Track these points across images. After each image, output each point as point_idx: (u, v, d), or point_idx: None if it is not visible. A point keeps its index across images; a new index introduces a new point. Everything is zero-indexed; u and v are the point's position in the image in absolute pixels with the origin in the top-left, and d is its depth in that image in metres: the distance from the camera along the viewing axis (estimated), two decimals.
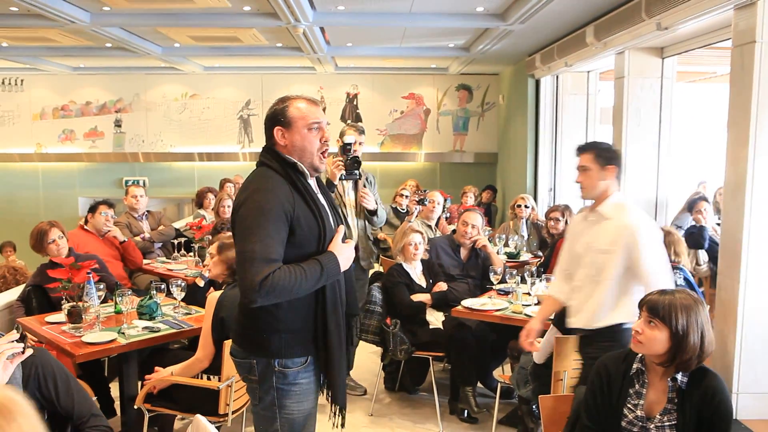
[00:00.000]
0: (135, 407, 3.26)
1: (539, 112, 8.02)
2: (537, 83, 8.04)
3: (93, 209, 5.18)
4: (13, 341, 2.01)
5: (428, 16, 6.06)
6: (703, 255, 5.58)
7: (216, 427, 2.22)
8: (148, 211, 6.17)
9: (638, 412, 2.20)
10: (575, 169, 3.21)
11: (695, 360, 2.12)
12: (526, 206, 6.30)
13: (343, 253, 2.25)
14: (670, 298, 2.15)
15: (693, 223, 5.85)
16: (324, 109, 8.46)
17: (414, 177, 8.68)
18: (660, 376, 2.20)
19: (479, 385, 4.40)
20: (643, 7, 4.69)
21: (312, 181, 2.31)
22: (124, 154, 10.37)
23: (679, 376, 2.16)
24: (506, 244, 5.79)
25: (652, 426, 2.17)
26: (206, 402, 3.13)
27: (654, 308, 2.15)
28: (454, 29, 6.66)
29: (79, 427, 2.20)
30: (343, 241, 2.28)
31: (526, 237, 6.09)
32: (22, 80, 10.31)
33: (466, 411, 4.12)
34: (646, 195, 6.05)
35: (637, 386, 2.23)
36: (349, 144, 3.90)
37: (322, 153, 2.29)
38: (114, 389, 3.91)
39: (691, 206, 5.99)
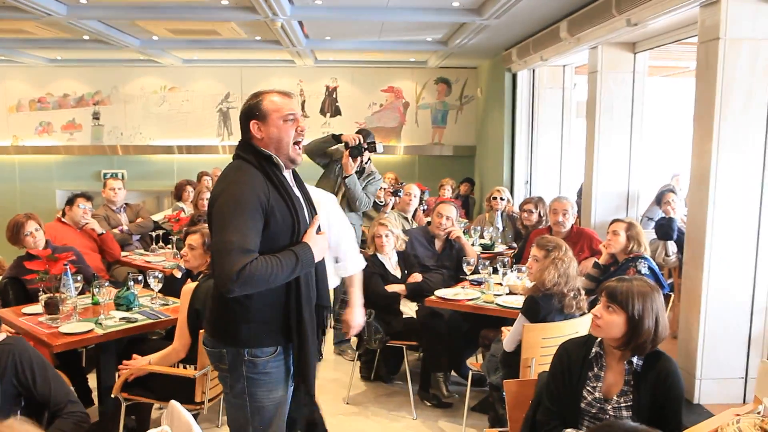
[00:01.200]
0: (112, 396, 3.31)
1: (516, 106, 8.12)
2: (514, 77, 8.14)
3: (71, 202, 5.20)
4: None
5: (405, 11, 6.13)
6: (672, 246, 5.71)
7: (193, 415, 2.28)
8: (126, 203, 6.19)
9: (596, 394, 2.30)
10: None
11: (650, 344, 2.23)
12: (501, 198, 6.40)
13: (318, 244, 2.29)
14: (627, 284, 2.26)
15: (662, 215, 6.00)
16: (303, 103, 8.52)
17: (393, 170, 8.77)
18: (617, 360, 2.31)
19: (453, 373, 4.51)
20: (613, 3, 4.80)
21: (288, 174, 2.36)
22: (102, 146, 10.31)
23: (635, 360, 2.27)
24: (482, 236, 5.90)
25: (609, 407, 2.28)
26: (183, 390, 3.18)
27: (612, 294, 2.25)
28: (431, 23, 6.73)
29: (56, 414, 2.26)
30: (318, 232, 2.33)
31: (501, 229, 6.20)
32: None
33: (437, 396, 4.23)
34: (618, 188, 6.18)
35: (595, 369, 2.34)
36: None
37: (296, 143, 2.34)
38: (92, 380, 3.96)
39: (659, 199, 6.14)
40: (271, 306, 2.25)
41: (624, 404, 2.26)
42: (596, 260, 4.38)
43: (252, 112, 2.28)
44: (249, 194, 2.17)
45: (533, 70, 7.88)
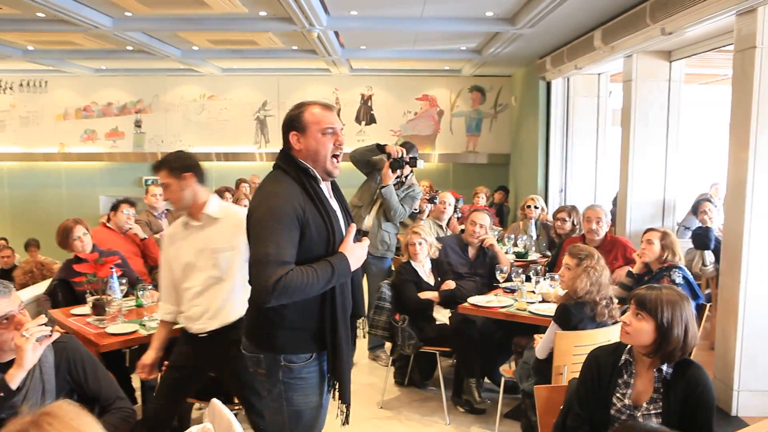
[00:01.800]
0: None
1: (550, 114, 8.12)
2: (548, 85, 8.14)
3: (115, 207, 5.38)
4: (41, 325, 2.18)
5: (439, 21, 6.21)
6: (709, 256, 5.66)
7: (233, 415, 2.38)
8: (167, 209, 6.37)
9: (626, 401, 2.33)
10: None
11: (679, 351, 2.26)
12: (535, 207, 6.41)
13: (354, 253, 2.31)
14: (657, 293, 2.29)
15: (699, 224, 5.94)
16: (339, 111, 8.65)
17: (427, 177, 8.83)
18: (647, 367, 2.33)
19: (486, 380, 4.55)
20: (647, 12, 4.80)
21: (325, 186, 2.38)
22: (143, 153, 10.60)
23: (664, 367, 2.29)
24: (515, 244, 5.91)
25: (639, 414, 2.31)
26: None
27: (641, 301, 2.29)
28: (465, 33, 6.79)
29: (105, 409, 2.37)
30: (356, 241, 2.35)
31: (534, 237, 6.20)
32: (46, 81, 10.59)
33: (470, 402, 4.27)
34: (654, 197, 6.16)
35: (625, 376, 2.37)
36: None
37: (335, 156, 2.36)
38: (135, 380, 4.10)
39: (696, 208, 6.08)
40: (307, 314, 2.30)
41: (654, 411, 2.29)
42: (630, 269, 4.37)
43: (292, 123, 2.32)
44: (285, 206, 2.21)
45: (567, 79, 7.88)
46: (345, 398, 2.41)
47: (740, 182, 4.15)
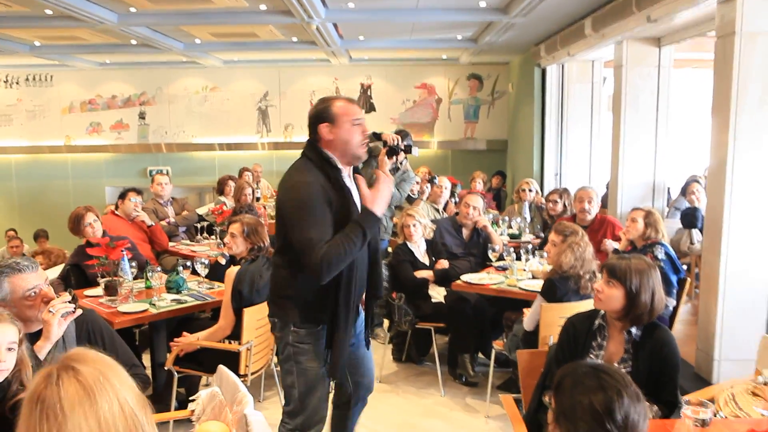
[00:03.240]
0: (165, 368, 3.66)
1: (545, 100, 8.29)
2: (543, 72, 8.31)
3: (123, 196, 5.59)
4: (65, 302, 2.39)
5: (434, 11, 6.38)
6: (697, 234, 5.85)
7: None
8: (172, 197, 6.59)
9: (599, 362, 2.54)
10: None
11: (646, 315, 2.46)
12: (530, 190, 6.60)
13: (375, 200, 2.49)
14: (626, 262, 2.49)
15: (688, 204, 6.13)
16: None
17: (426, 164, 9.01)
18: (618, 331, 2.54)
19: (480, 355, 4.76)
20: (633, 0, 4.97)
21: (346, 171, 2.60)
22: (147, 145, 10.83)
23: (633, 330, 2.50)
24: (509, 226, 6.11)
25: None
26: (228, 363, 3.42)
27: (612, 270, 2.49)
28: (460, 23, 6.97)
29: None
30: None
31: (529, 219, 6.40)
32: (51, 76, 10.80)
33: (464, 376, 4.49)
34: (644, 179, 6.34)
35: (599, 339, 2.58)
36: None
37: (363, 144, 2.59)
38: (144, 360, 4.33)
39: (685, 189, 6.26)
40: (314, 291, 2.51)
41: (624, 370, 2.49)
42: (615, 246, 4.57)
43: (322, 115, 2.52)
44: (316, 193, 2.44)
45: (562, 65, 8.05)
46: (334, 374, 2.65)
47: (721, 163, 4.32)
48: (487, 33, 7.31)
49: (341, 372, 2.68)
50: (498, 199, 9.05)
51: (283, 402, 2.78)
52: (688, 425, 1.99)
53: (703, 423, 1.97)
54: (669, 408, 2.43)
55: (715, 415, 2.41)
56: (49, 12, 5.99)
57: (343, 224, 2.47)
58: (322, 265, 2.36)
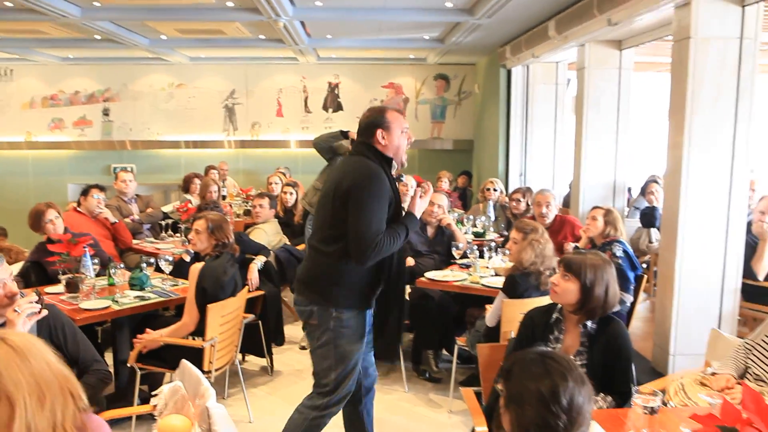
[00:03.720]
0: (128, 365, 3.64)
1: (511, 101, 8.41)
2: (509, 73, 8.42)
3: (85, 192, 5.53)
4: (32, 302, 2.39)
5: (401, 11, 6.43)
6: (655, 233, 6.02)
7: None
8: (137, 195, 6.53)
9: (546, 349, 2.61)
10: None
11: (600, 309, 2.55)
12: (494, 189, 6.71)
13: (419, 207, 2.90)
14: (582, 257, 2.58)
15: (647, 204, 6.30)
16: (306, 99, 8.84)
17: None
18: (574, 324, 2.62)
19: (444, 352, 4.82)
20: (595, 4, 5.09)
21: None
22: (111, 142, 10.66)
23: (589, 323, 2.58)
24: (474, 225, 6.20)
25: None
26: (192, 360, 3.44)
27: (568, 264, 2.57)
28: (426, 23, 7.03)
29: (83, 370, 2.59)
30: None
31: (493, 218, 6.49)
32: (11, 70, 10.56)
33: (428, 372, 4.55)
34: (605, 179, 6.48)
35: (556, 333, 2.66)
36: None
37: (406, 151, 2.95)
38: (107, 358, 4.28)
39: (644, 189, 6.43)
40: (363, 277, 2.79)
41: (579, 362, 2.57)
42: (576, 245, 4.68)
43: (379, 122, 2.83)
44: (383, 187, 2.73)
45: (527, 67, 8.18)
46: (381, 354, 3.07)
47: (677, 163, 4.46)
48: (453, 33, 7.38)
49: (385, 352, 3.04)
50: (464, 198, 9.15)
51: (315, 384, 2.97)
52: (638, 413, 2.07)
53: (652, 410, 2.05)
54: (623, 398, 2.51)
55: (665, 404, 2.51)
56: (9, 4, 5.87)
57: (393, 219, 2.79)
58: (374, 251, 2.63)
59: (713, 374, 2.66)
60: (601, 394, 2.53)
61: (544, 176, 8.21)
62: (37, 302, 2.39)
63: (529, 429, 1.44)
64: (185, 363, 2.54)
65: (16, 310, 2.32)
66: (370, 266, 2.76)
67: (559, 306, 2.66)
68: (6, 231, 8.66)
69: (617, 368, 2.53)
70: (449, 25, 7.15)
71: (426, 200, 2.97)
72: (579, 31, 5.66)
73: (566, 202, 7.45)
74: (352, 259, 2.72)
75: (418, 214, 2.88)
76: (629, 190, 7.85)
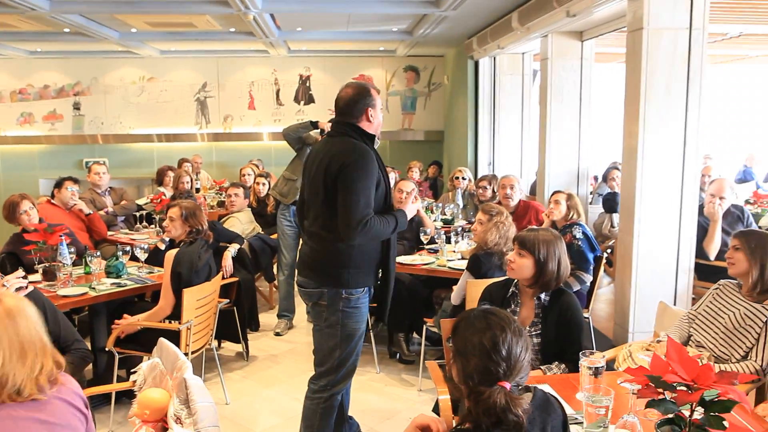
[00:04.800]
0: (106, 349, 3.75)
1: (478, 92, 8.60)
2: (476, 64, 8.61)
3: (59, 184, 5.58)
4: (19, 278, 2.51)
5: (369, 3, 6.55)
6: (617, 218, 6.24)
7: None
8: (110, 187, 6.59)
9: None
10: None
11: (554, 282, 2.73)
12: (463, 178, 6.90)
13: (410, 210, 3.05)
14: (534, 234, 2.76)
15: (609, 190, 6.53)
16: (278, 92, 8.92)
17: None
18: (530, 297, 2.81)
19: (415, 335, 5.00)
20: None
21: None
22: (83, 136, 10.63)
23: (542, 296, 2.76)
24: (443, 212, 6.39)
25: None
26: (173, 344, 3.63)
27: (523, 242, 2.75)
28: (394, 15, 7.17)
29: (64, 350, 2.70)
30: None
31: (461, 205, 6.68)
32: None
33: (399, 354, 4.72)
34: (569, 166, 6.70)
35: (512, 306, 2.84)
36: None
37: None
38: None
39: (606, 176, 6.66)
40: (368, 255, 2.89)
41: (534, 333, 2.76)
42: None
43: (368, 101, 2.88)
44: (373, 166, 2.80)
45: (494, 58, 8.37)
46: (384, 317, 3.16)
47: (632, 150, 4.67)
48: (421, 26, 7.54)
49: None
50: (434, 188, 9.33)
51: (316, 362, 3.09)
52: (583, 374, 2.25)
53: (596, 371, 2.23)
54: (575, 365, 2.69)
55: (613, 369, 2.71)
56: None
57: (382, 194, 2.87)
58: (360, 228, 2.71)
59: (658, 341, 2.87)
60: (555, 362, 2.72)
61: (513, 165, 8.42)
62: (23, 278, 2.51)
63: (473, 376, 1.61)
64: (162, 341, 2.66)
65: (4, 285, 2.44)
66: (374, 244, 2.87)
67: (515, 281, 2.84)
68: None
69: (569, 337, 2.71)
70: (417, 17, 7.30)
71: (417, 205, 3.17)
72: (540, 22, 5.85)
73: (533, 190, 7.67)
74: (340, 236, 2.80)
75: (409, 214, 2.99)
76: (595, 178, 8.10)
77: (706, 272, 4.83)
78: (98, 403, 3.92)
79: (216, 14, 6.91)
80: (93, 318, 4.09)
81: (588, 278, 4.52)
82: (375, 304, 4.69)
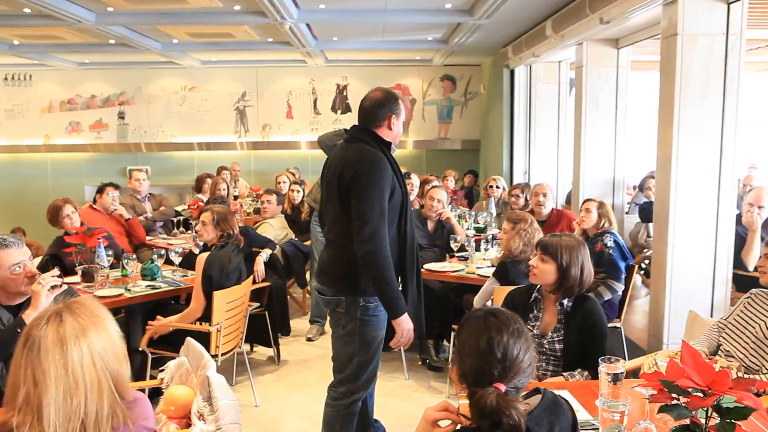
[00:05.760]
0: (140, 350, 3.85)
1: (514, 100, 8.57)
2: (512, 73, 8.59)
3: (101, 190, 5.77)
4: (54, 276, 2.61)
5: (402, 12, 6.63)
6: (653, 228, 6.13)
7: None
8: (150, 193, 6.77)
9: (535, 331, 2.79)
10: None
11: (577, 287, 2.71)
12: (497, 186, 6.88)
13: (402, 324, 2.82)
14: (557, 239, 2.75)
15: (645, 200, 6.43)
16: (315, 101, 9.06)
17: (403, 163, 9.26)
18: (552, 303, 2.79)
19: (445, 342, 4.99)
20: (587, 3, 5.25)
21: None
22: (127, 144, 10.96)
23: (565, 302, 2.74)
24: (476, 221, 6.37)
25: (545, 341, 2.76)
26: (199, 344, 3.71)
27: (545, 247, 2.74)
28: (428, 24, 7.22)
29: None
30: None
31: (495, 214, 6.66)
32: (30, 75, 10.89)
33: (428, 360, 4.73)
34: (604, 175, 6.62)
35: (535, 311, 2.82)
36: None
37: None
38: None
39: (642, 185, 6.56)
40: None
41: (557, 339, 2.74)
42: None
43: (393, 108, 2.84)
44: (386, 174, 2.72)
45: (530, 67, 8.33)
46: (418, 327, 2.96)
47: (667, 158, 4.59)
48: (456, 34, 7.57)
49: (419, 324, 2.97)
50: (470, 197, 9.31)
51: (335, 369, 3.03)
52: (602, 380, 2.23)
53: (615, 378, 2.20)
54: (597, 372, 2.67)
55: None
56: (27, 10, 6.14)
57: (399, 201, 2.79)
58: (370, 241, 2.64)
59: None
60: (579, 369, 2.69)
61: (548, 174, 8.35)
62: (58, 276, 2.62)
63: (469, 377, 1.62)
64: (190, 340, 2.73)
65: (40, 283, 2.55)
66: (391, 253, 2.75)
67: (539, 286, 2.83)
68: (24, 231, 8.99)
69: (592, 344, 2.68)
70: (451, 26, 7.33)
71: (410, 324, 2.90)
72: (574, 30, 5.81)
73: (569, 199, 7.59)
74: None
75: (403, 322, 2.80)
76: (634, 187, 7.97)
77: (746, 283, 4.70)
78: None
79: (253, 25, 7.07)
80: (129, 319, 4.21)
81: (619, 287, 4.46)
82: None
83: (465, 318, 1.74)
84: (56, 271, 2.65)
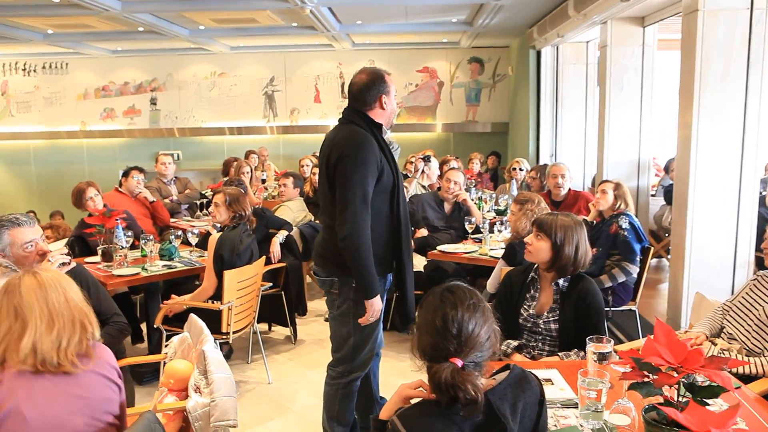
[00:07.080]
0: (155, 327, 3.97)
1: (540, 82, 8.45)
2: (538, 54, 8.46)
3: (126, 174, 5.93)
4: (63, 254, 2.73)
5: None
6: None
7: (221, 344, 2.85)
8: (175, 177, 6.92)
9: (531, 311, 2.79)
10: None
11: (571, 266, 2.70)
12: (520, 169, 6.83)
13: (374, 305, 2.80)
14: (553, 218, 2.74)
15: (671, 182, 6.29)
16: (342, 85, 9.08)
17: (430, 147, 9.27)
18: (548, 283, 2.78)
19: None
20: None
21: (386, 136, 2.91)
22: (159, 129, 11.19)
23: (561, 281, 2.73)
24: (497, 203, 6.33)
25: (540, 321, 2.76)
26: (211, 322, 3.72)
27: (540, 225, 2.74)
28: (450, 5, 7.15)
29: (104, 322, 2.91)
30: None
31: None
32: (66, 63, 11.19)
33: None
34: (629, 157, 6.49)
35: (532, 291, 2.82)
36: None
37: None
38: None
39: (668, 167, 6.42)
40: (378, 242, 2.76)
41: (552, 318, 2.73)
42: (585, 218, 4.77)
43: (383, 88, 2.81)
44: (372, 156, 2.69)
45: (557, 48, 8.19)
46: (409, 313, 2.94)
47: (686, 140, 4.49)
48: (479, 16, 7.48)
49: (412, 311, 2.94)
50: (495, 179, 9.25)
51: (333, 348, 3.06)
52: (589, 359, 2.22)
53: (602, 357, 2.20)
54: None
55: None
56: (56, 0, 6.30)
57: (390, 183, 2.77)
58: (352, 224, 2.63)
59: (686, 332, 2.78)
60: (575, 350, 2.68)
61: (575, 156, 8.22)
62: (66, 254, 2.73)
63: (427, 353, 1.63)
64: (192, 316, 2.81)
65: (49, 260, 2.66)
66: (384, 233, 2.76)
67: (536, 266, 2.82)
68: (63, 214, 9.29)
69: (588, 323, 2.67)
70: (474, 7, 7.25)
71: (379, 309, 2.87)
72: (596, 8, 5.70)
73: (595, 182, 7.48)
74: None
75: (375, 303, 2.78)
76: (664, 169, 7.80)
77: None
78: (150, 377, 4.18)
79: (275, 9, 7.11)
80: (148, 298, 4.35)
81: (634, 269, 4.40)
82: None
83: (426, 295, 1.75)
84: (64, 249, 2.75)
